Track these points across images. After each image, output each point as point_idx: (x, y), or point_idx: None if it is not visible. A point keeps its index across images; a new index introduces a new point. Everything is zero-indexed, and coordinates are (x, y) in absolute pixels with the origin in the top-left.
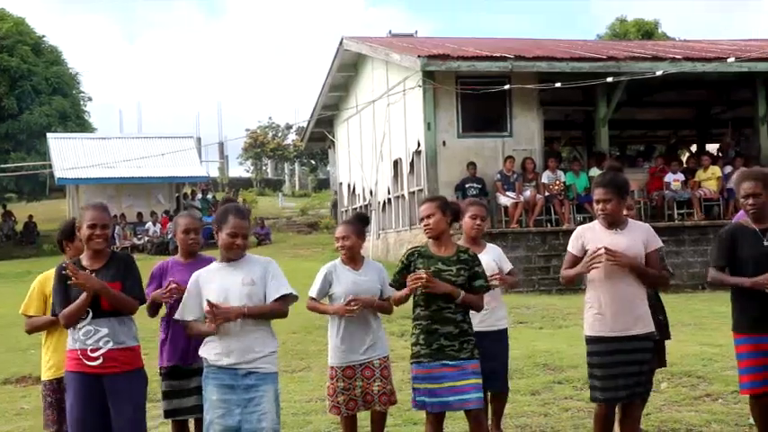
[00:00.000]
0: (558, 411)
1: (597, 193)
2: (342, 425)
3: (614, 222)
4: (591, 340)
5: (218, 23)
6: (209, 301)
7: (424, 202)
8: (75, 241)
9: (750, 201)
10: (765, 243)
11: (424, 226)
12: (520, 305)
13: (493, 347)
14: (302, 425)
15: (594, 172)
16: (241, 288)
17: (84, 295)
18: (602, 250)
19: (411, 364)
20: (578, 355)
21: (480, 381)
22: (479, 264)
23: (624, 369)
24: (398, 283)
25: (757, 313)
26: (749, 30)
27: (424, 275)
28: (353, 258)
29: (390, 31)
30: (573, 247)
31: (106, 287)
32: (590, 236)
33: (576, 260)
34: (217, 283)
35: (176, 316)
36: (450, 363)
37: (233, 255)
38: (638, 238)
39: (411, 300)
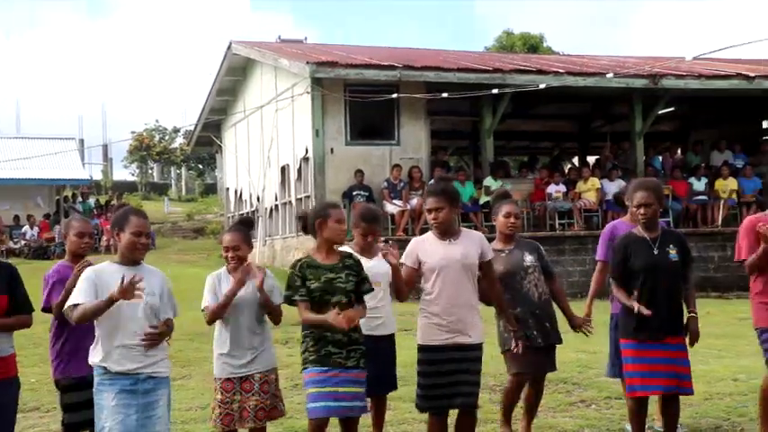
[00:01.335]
0: None
1: (429, 203)
2: None
3: (447, 232)
4: (423, 348)
5: (102, 22)
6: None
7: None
8: None
9: (642, 210)
10: (656, 251)
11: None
12: (405, 312)
13: (387, 350)
14: None
15: (490, 182)
16: (144, 296)
17: None
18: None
19: (301, 371)
20: None
21: (362, 390)
22: (362, 268)
23: (452, 378)
24: (303, 296)
25: (640, 321)
26: (628, 46)
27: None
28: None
29: (280, 37)
30: (409, 259)
31: (11, 325)
32: (425, 248)
33: (413, 273)
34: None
35: (68, 302)
36: (335, 369)
37: (138, 255)
38: (471, 247)
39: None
